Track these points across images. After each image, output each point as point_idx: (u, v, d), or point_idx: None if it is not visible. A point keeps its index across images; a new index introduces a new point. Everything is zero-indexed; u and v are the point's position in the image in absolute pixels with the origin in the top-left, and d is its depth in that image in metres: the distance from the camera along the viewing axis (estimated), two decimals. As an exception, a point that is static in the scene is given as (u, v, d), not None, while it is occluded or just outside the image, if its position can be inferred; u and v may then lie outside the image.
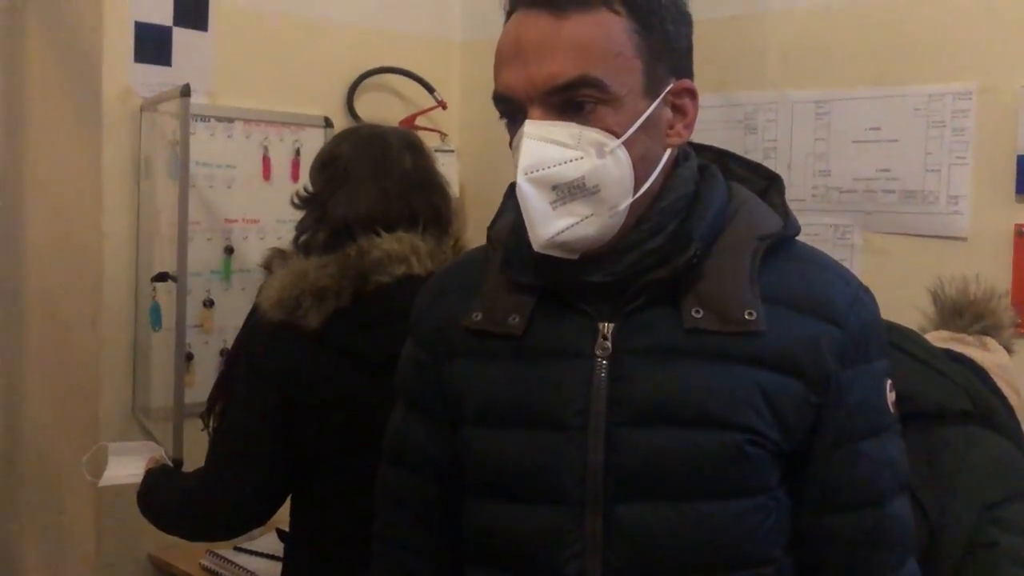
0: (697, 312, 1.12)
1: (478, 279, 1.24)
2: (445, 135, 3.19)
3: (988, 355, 1.74)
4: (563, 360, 1.15)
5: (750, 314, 1.11)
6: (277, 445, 1.78)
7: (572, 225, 1.10)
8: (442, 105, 3.11)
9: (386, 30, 3.14)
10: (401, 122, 3.06)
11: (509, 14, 1.16)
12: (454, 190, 3.08)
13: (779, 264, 1.16)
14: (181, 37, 2.68)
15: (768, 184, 1.24)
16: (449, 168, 3.10)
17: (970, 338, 1.76)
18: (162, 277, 2.46)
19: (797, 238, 1.20)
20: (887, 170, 2.45)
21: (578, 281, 1.15)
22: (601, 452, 1.12)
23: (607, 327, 1.14)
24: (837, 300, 1.15)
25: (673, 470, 1.11)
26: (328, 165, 1.88)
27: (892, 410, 1.18)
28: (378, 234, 1.78)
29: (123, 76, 2.58)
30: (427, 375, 1.27)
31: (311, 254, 1.81)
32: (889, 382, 1.19)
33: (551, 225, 1.10)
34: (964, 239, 2.33)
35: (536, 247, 1.12)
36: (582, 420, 1.13)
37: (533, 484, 1.15)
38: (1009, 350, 1.79)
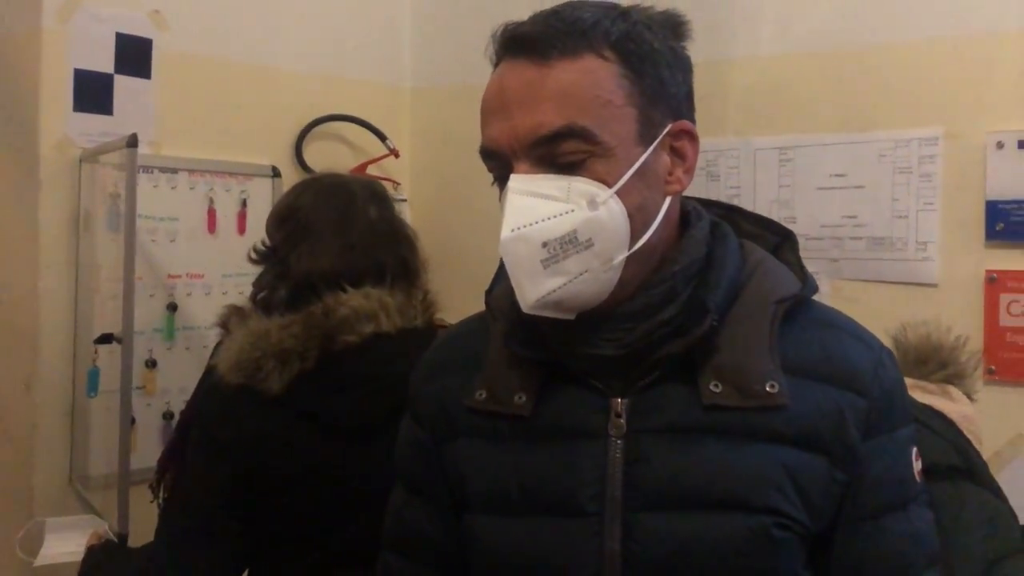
0: (716, 387, 1.04)
1: (479, 351, 1.15)
2: (398, 184, 3.10)
3: (953, 405, 1.70)
4: (575, 441, 1.07)
5: (772, 386, 1.04)
6: (235, 523, 1.65)
7: (565, 284, 1.02)
8: (394, 153, 3.03)
9: (334, 77, 3.06)
10: (352, 171, 2.97)
11: (496, 65, 1.09)
12: (407, 240, 3.01)
13: (798, 329, 1.09)
14: (123, 84, 2.57)
15: (781, 240, 1.17)
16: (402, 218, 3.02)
17: (933, 386, 1.72)
18: (106, 339, 2.32)
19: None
20: (854, 217, 2.42)
21: (587, 354, 1.06)
22: (618, 541, 1.03)
23: (620, 404, 1.06)
24: (860, 367, 1.08)
25: (696, 559, 1.02)
26: (288, 218, 1.78)
27: (918, 479, 1.11)
28: (344, 290, 1.68)
29: (61, 125, 2.45)
30: (428, 456, 1.18)
31: (272, 312, 1.70)
32: (915, 450, 1.12)
33: (541, 285, 1.02)
34: (934, 285, 2.31)
35: (525, 309, 1.04)
36: (597, 506, 1.04)
37: None
38: (971, 398, 1.75)
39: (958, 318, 2.22)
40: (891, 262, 2.36)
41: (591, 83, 1.02)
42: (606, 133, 1.02)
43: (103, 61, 2.53)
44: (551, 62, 1.02)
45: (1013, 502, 2.10)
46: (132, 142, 2.25)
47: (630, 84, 1.04)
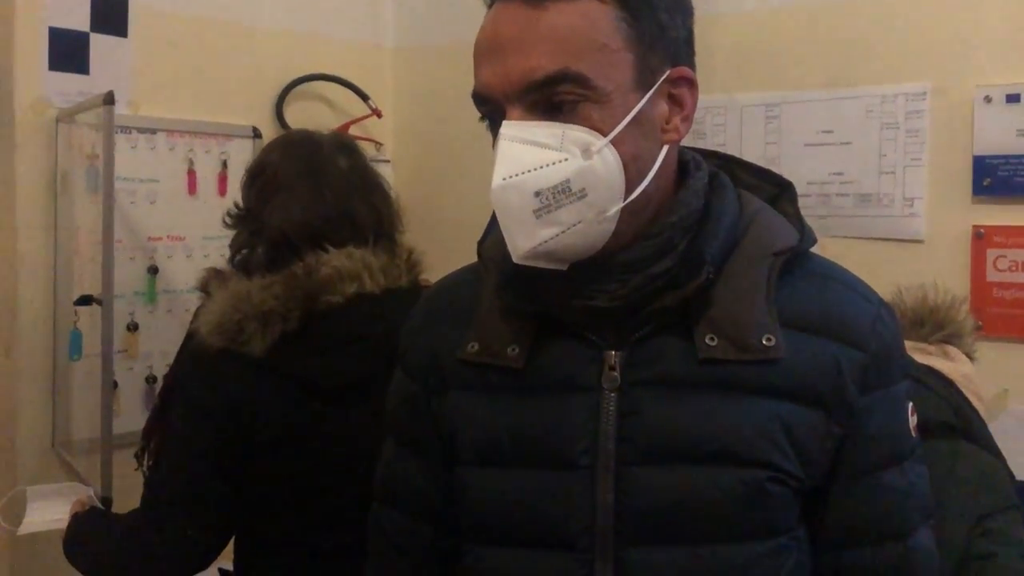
0: (711, 340, 1.03)
1: (471, 302, 1.13)
2: (380, 144, 3.07)
3: (952, 365, 1.70)
4: (568, 393, 1.05)
5: (768, 340, 1.02)
6: (220, 485, 1.63)
7: (558, 234, 0.99)
8: (377, 113, 2.99)
9: (316, 36, 3.01)
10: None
11: (489, 6, 1.05)
12: (390, 201, 2.98)
13: (795, 281, 1.07)
14: (99, 43, 2.52)
15: (779, 192, 1.15)
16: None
17: (932, 348, 1.72)
18: (86, 300, 2.29)
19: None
20: (841, 173, 2.41)
21: (580, 306, 1.04)
22: (611, 493, 1.02)
23: (614, 356, 1.04)
24: (858, 321, 1.06)
25: (689, 512, 1.01)
26: (258, 175, 1.75)
27: (914, 434, 1.11)
28: (325, 250, 1.65)
29: (37, 85, 2.41)
30: (418, 409, 1.16)
31: (252, 273, 1.67)
32: (911, 405, 1.11)
33: (534, 235, 0.99)
34: (921, 241, 2.31)
35: (516, 259, 1.02)
36: (590, 459, 1.03)
37: (538, 529, 1.05)
38: (971, 357, 1.75)
39: (945, 274, 2.22)
40: (878, 218, 2.36)
41: (587, 26, 0.99)
42: (602, 79, 0.99)
43: (79, 19, 2.48)
44: (545, 3, 0.99)
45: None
46: (109, 99, 2.21)
47: (628, 27, 1.00)
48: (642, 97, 1.02)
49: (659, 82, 1.03)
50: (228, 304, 1.62)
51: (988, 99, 2.18)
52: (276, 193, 1.70)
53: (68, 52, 2.46)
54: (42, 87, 2.42)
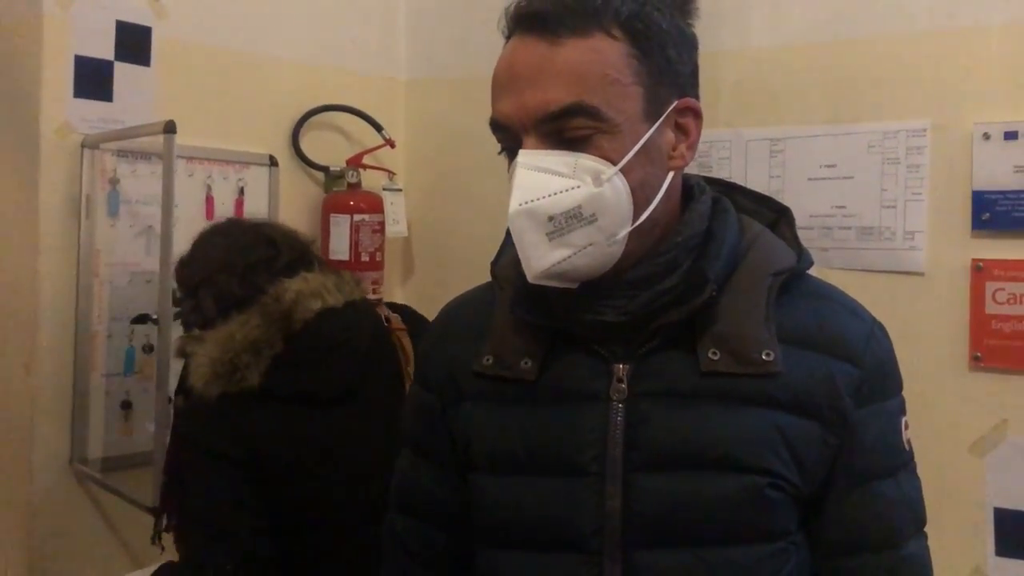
0: (714, 354, 1.08)
1: (486, 319, 1.19)
2: (393, 174, 3.13)
3: None
4: (578, 404, 1.11)
5: (767, 355, 1.08)
6: (248, 518, 1.71)
7: (570, 256, 1.06)
8: (390, 144, 3.06)
9: (332, 68, 3.09)
10: (348, 161, 3.00)
11: (507, 39, 1.12)
12: (402, 229, 3.04)
13: (793, 300, 1.13)
14: (123, 72, 2.59)
15: (777, 216, 1.21)
16: (397, 207, 3.05)
17: None
18: (142, 319, 2.40)
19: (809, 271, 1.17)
20: (843, 207, 2.46)
21: (590, 320, 1.10)
22: (619, 499, 1.07)
23: (622, 369, 1.10)
24: (852, 337, 1.12)
25: (692, 516, 1.07)
26: (186, 263, 1.97)
27: (908, 447, 1.16)
28: (281, 281, 1.81)
29: (62, 111, 2.47)
30: (434, 419, 1.21)
31: (209, 326, 1.81)
32: (904, 419, 1.16)
33: (547, 256, 1.06)
34: (921, 274, 2.34)
35: (531, 279, 1.08)
36: (599, 466, 1.08)
37: (549, 532, 1.10)
38: None
39: (945, 306, 2.28)
40: (879, 251, 2.41)
41: (600, 61, 1.05)
42: (613, 111, 1.05)
43: (104, 48, 2.55)
44: (561, 39, 1.05)
45: (997, 485, 2.16)
46: (170, 128, 2.25)
47: (638, 63, 1.07)
48: (650, 127, 1.08)
49: (667, 113, 1.09)
50: (215, 351, 1.73)
51: (987, 136, 2.23)
52: (202, 260, 1.91)
53: (93, 80, 2.53)
54: (67, 113, 2.48)
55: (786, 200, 2.45)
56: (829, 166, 2.48)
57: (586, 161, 1.05)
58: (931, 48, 2.32)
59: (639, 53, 1.07)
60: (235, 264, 1.83)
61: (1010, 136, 2.21)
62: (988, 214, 2.24)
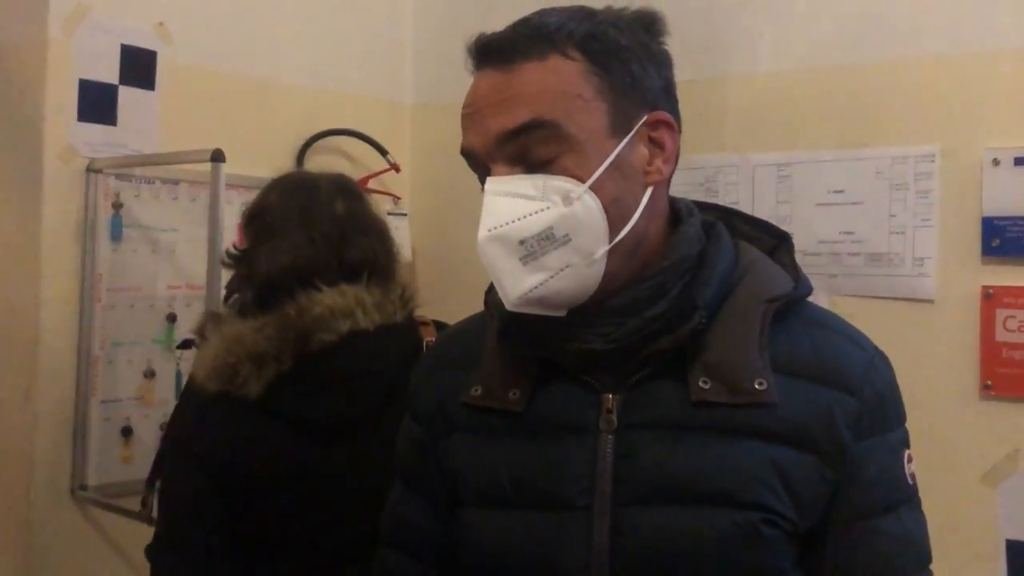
0: (705, 383, 1.05)
1: (477, 348, 1.17)
2: (398, 198, 3.12)
3: None
4: (566, 436, 1.08)
5: (760, 384, 1.05)
6: (208, 536, 1.63)
7: (547, 280, 1.03)
8: (395, 168, 3.05)
9: (337, 92, 3.08)
10: (353, 185, 2.99)
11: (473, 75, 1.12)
12: (406, 253, 3.02)
13: (790, 328, 1.10)
14: (127, 96, 2.58)
15: (777, 243, 1.18)
16: (402, 232, 3.03)
17: None
18: (187, 344, 2.36)
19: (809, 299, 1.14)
20: (851, 233, 2.43)
21: (577, 349, 1.07)
22: (607, 534, 1.04)
23: (612, 399, 1.07)
24: (851, 367, 1.09)
25: (682, 553, 1.03)
26: (255, 218, 1.78)
27: (911, 482, 1.12)
28: (318, 288, 1.65)
29: (66, 135, 2.46)
30: (425, 452, 1.19)
31: (246, 315, 1.69)
32: (907, 452, 1.12)
33: (523, 282, 1.04)
34: (931, 301, 2.31)
35: (508, 306, 1.06)
36: (587, 499, 1.05)
37: (536, 568, 1.07)
38: None
39: (955, 333, 2.24)
40: (888, 278, 2.37)
41: (557, 80, 1.04)
42: (573, 125, 1.03)
43: (108, 72, 2.55)
44: (516, 66, 1.05)
45: (1009, 517, 2.11)
46: (218, 156, 2.25)
47: (599, 79, 1.05)
48: (619, 142, 1.06)
49: (636, 127, 1.07)
50: (222, 347, 1.64)
51: (996, 162, 2.21)
52: (270, 236, 1.72)
53: (97, 103, 2.52)
54: (71, 137, 2.48)
55: (794, 226, 2.47)
56: (837, 191, 2.45)
57: (554, 182, 1.03)
58: (940, 73, 2.29)
59: (599, 70, 1.06)
60: (293, 276, 1.67)
61: (1020, 162, 2.18)
62: (998, 240, 2.21)
